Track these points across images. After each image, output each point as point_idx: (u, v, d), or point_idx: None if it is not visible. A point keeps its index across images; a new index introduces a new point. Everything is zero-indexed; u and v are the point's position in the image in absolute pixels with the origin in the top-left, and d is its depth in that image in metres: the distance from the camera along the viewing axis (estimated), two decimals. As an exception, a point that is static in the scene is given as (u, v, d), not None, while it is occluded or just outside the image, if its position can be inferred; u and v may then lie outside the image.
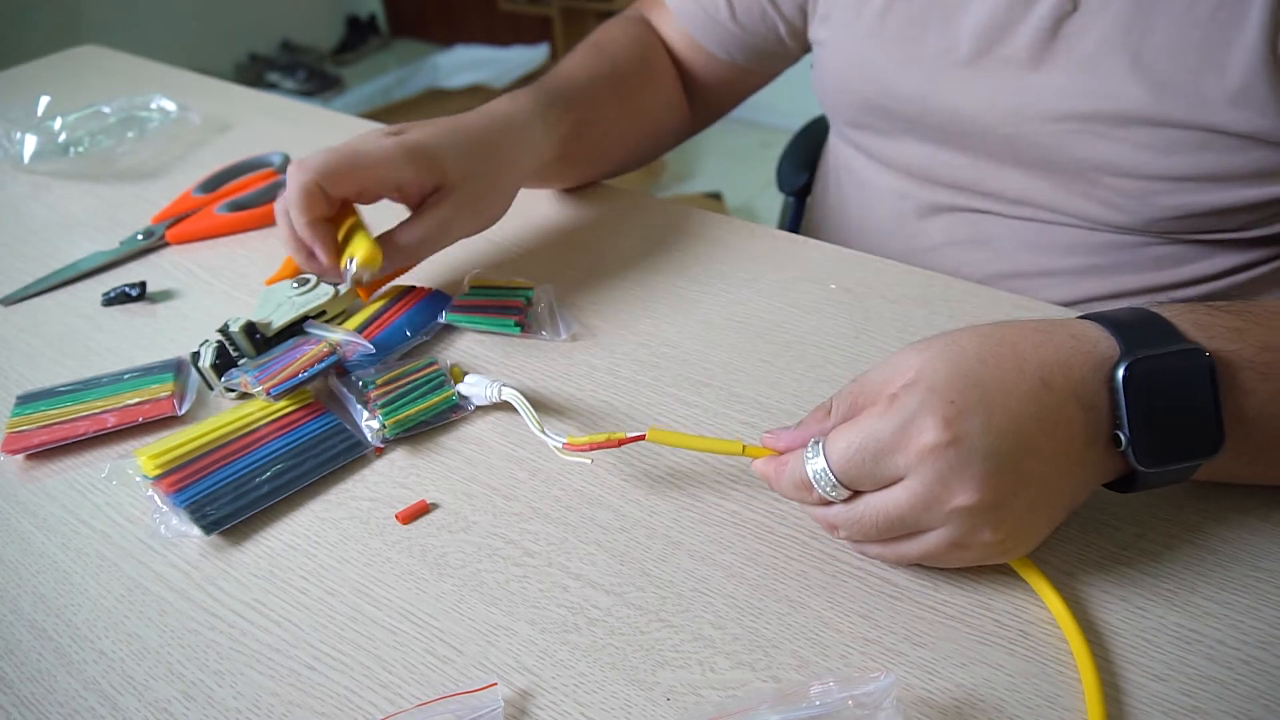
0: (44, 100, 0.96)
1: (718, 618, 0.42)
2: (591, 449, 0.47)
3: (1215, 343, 0.40)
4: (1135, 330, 0.40)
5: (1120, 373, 0.38)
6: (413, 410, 0.52)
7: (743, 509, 0.47)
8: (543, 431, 0.49)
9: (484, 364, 0.59)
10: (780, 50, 0.77)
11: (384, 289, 0.65)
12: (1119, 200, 0.62)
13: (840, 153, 0.81)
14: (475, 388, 0.54)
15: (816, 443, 0.40)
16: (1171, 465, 0.39)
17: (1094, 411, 0.39)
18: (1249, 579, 0.41)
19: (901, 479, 0.38)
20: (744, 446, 0.44)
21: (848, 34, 0.69)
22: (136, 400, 0.56)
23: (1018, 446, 0.37)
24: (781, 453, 0.42)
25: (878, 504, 0.39)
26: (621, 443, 0.46)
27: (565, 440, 0.48)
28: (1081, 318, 0.42)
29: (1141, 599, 0.41)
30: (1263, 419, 0.40)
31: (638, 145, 0.77)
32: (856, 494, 0.40)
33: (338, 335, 0.58)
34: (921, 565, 0.43)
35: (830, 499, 0.40)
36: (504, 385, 0.53)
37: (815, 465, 0.39)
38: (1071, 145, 0.61)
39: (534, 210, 0.76)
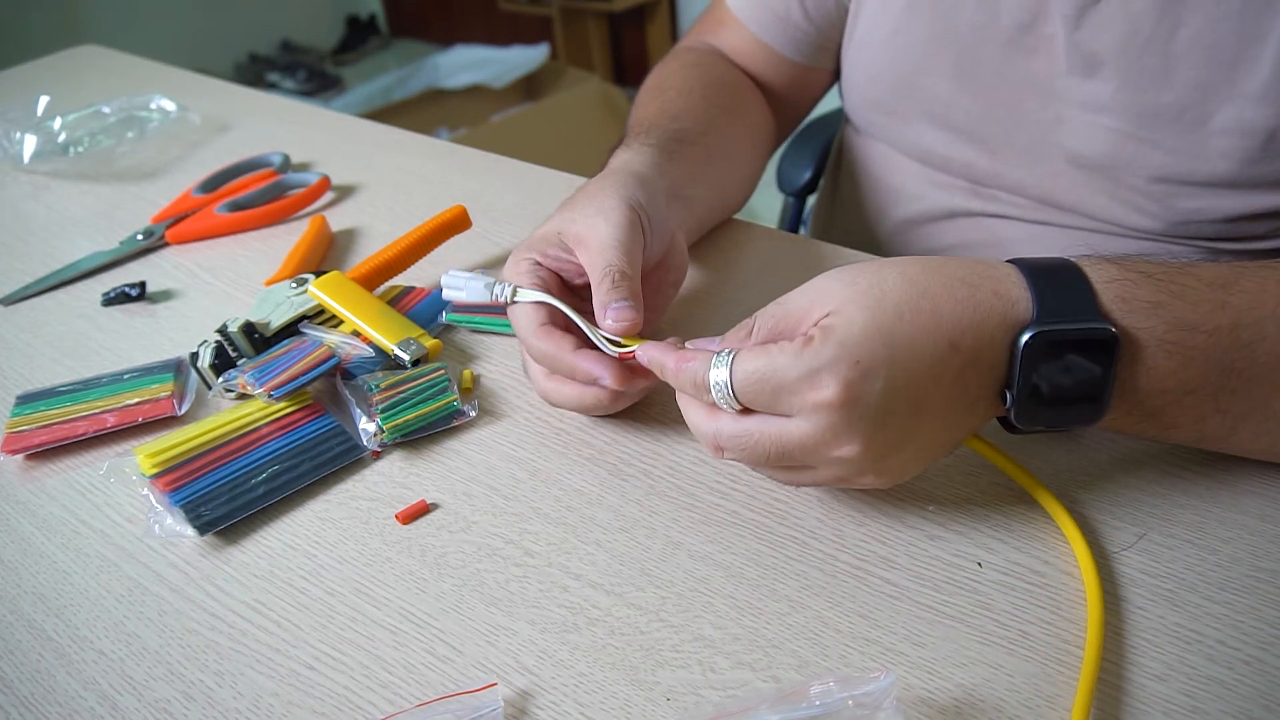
0: (44, 100, 0.96)
1: (718, 618, 0.42)
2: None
3: (1129, 319, 0.40)
4: (1054, 293, 0.40)
5: (1023, 339, 0.39)
6: (412, 415, 0.52)
7: (743, 509, 0.47)
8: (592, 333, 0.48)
9: (484, 363, 0.59)
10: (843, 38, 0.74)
11: (383, 288, 0.65)
12: (1142, 202, 0.60)
13: (855, 149, 0.79)
14: (468, 284, 0.50)
15: (728, 354, 0.41)
16: (1049, 428, 0.42)
17: (993, 371, 0.40)
18: (1249, 579, 0.41)
19: (793, 417, 0.40)
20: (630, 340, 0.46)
21: (884, 6, 0.67)
22: (136, 400, 0.56)
23: (909, 408, 0.39)
24: None
25: (771, 431, 0.40)
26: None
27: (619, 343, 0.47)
28: (1012, 261, 0.42)
29: (1141, 599, 0.41)
30: (1158, 391, 0.41)
31: (751, 168, 0.73)
32: (747, 410, 0.41)
33: (334, 337, 0.58)
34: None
35: (720, 406, 0.41)
36: (517, 285, 0.49)
37: (719, 375, 0.41)
38: (1100, 140, 0.60)
39: (534, 210, 0.76)
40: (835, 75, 0.79)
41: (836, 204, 0.85)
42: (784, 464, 0.41)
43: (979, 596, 0.42)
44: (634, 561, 0.45)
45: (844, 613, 0.42)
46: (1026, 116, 0.63)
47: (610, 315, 0.47)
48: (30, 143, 0.88)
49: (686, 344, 0.45)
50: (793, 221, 1.10)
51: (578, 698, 0.39)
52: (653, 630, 0.42)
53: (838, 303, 0.39)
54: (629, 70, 3.29)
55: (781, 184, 1.10)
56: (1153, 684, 0.38)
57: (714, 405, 0.42)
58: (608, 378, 0.47)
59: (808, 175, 1.06)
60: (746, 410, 0.41)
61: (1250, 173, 0.56)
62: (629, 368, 0.47)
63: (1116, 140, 0.59)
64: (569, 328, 0.49)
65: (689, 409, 0.44)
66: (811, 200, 1.07)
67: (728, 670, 0.40)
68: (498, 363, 0.59)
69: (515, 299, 0.49)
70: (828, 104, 0.96)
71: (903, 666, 0.39)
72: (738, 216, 0.72)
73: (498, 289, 0.50)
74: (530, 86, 2.84)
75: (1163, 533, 0.44)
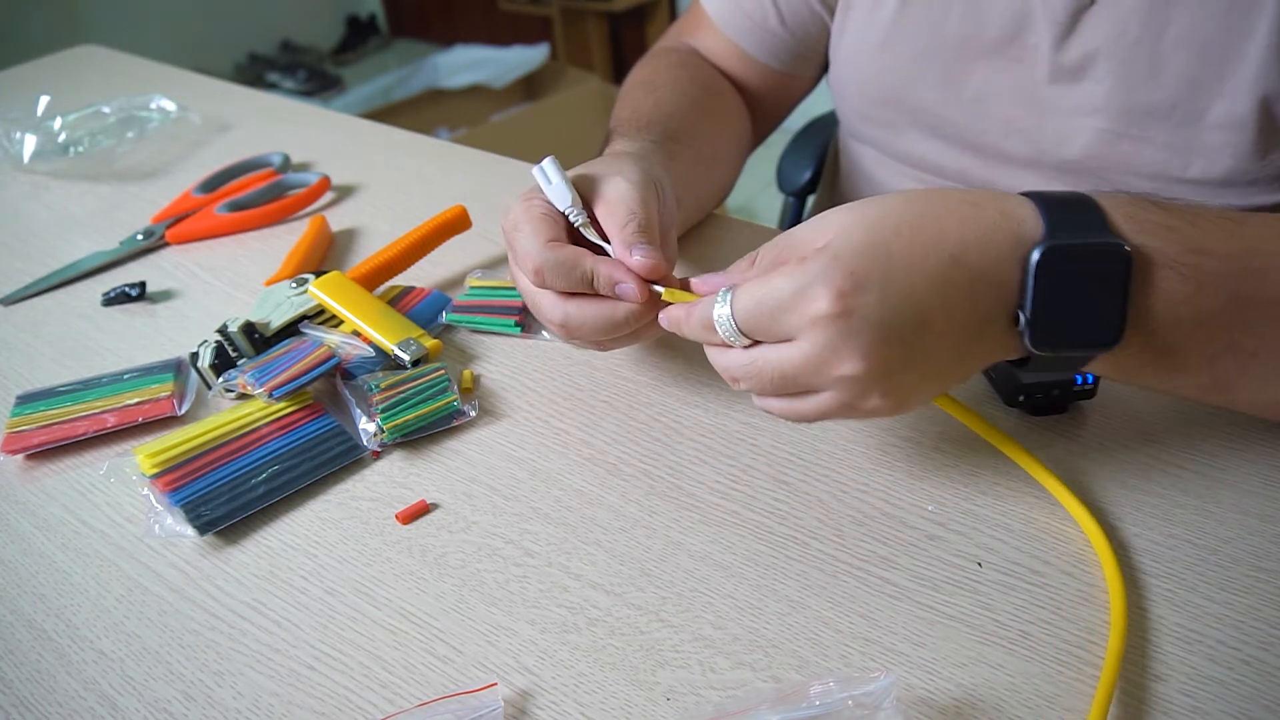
0: (44, 100, 0.96)
1: (718, 618, 0.42)
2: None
3: (1141, 237, 0.40)
4: (1065, 214, 0.40)
5: (1035, 255, 0.39)
6: (412, 415, 0.52)
7: (743, 509, 0.47)
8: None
9: (484, 363, 0.59)
10: (826, 49, 0.75)
11: (384, 288, 0.65)
12: None
13: (851, 152, 0.80)
14: (559, 182, 0.49)
15: (727, 291, 0.41)
16: (1066, 351, 0.40)
17: (1002, 289, 0.39)
18: (1249, 579, 0.41)
19: (795, 339, 0.40)
20: (663, 292, 0.46)
21: (870, 19, 0.67)
22: (136, 400, 0.56)
23: (911, 322, 0.38)
24: (702, 295, 0.44)
25: (772, 356, 0.40)
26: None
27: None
28: (1022, 194, 0.42)
29: (1142, 599, 0.41)
30: (1173, 320, 0.40)
31: (732, 173, 0.74)
32: (756, 343, 0.41)
33: (334, 337, 0.58)
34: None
35: (730, 344, 0.42)
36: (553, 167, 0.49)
37: (721, 311, 0.41)
38: (1091, 143, 0.60)
39: (534, 210, 0.76)
40: (815, 82, 0.79)
41: (834, 204, 0.85)
42: (791, 390, 0.41)
43: (979, 596, 0.42)
44: (634, 561, 0.45)
45: (844, 613, 0.42)
46: (1016, 125, 0.63)
47: (636, 254, 0.46)
48: (30, 143, 0.88)
49: (692, 280, 0.45)
50: (793, 221, 1.10)
51: (578, 698, 0.39)
52: (653, 630, 0.42)
53: (836, 227, 0.40)
54: (629, 70, 3.28)
55: (781, 184, 1.10)
56: (1153, 684, 0.38)
57: (725, 343, 0.42)
58: (630, 285, 0.46)
59: (808, 175, 1.06)
60: (754, 344, 0.41)
61: (1243, 168, 0.56)
62: (649, 283, 0.46)
63: (1109, 141, 0.59)
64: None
65: (707, 346, 0.44)
66: (811, 200, 1.07)
67: (728, 670, 0.40)
68: (498, 363, 0.59)
69: (577, 225, 0.49)
70: (827, 105, 0.96)
71: (903, 666, 0.39)
72: (738, 216, 0.72)
73: (574, 212, 0.49)
74: (530, 86, 2.84)
75: (1163, 533, 0.44)
